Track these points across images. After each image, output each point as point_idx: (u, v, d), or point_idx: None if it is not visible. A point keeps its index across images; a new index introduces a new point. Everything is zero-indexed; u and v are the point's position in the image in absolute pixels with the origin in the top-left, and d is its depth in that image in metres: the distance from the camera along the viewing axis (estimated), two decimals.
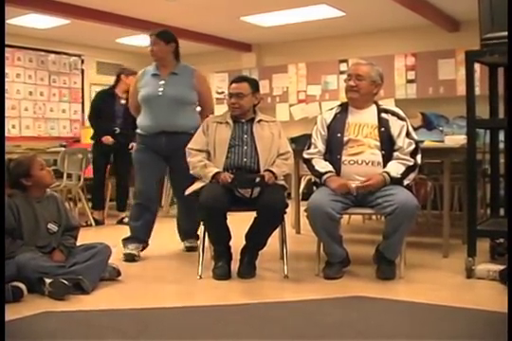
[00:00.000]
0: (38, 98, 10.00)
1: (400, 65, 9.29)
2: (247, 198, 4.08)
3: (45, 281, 3.45)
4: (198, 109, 5.09)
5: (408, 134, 4.08)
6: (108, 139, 6.61)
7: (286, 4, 7.95)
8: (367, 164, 4.02)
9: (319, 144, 4.19)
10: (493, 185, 4.57)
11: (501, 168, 4.64)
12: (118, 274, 3.95)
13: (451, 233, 4.82)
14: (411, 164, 4.02)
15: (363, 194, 3.96)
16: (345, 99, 4.31)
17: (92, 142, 6.88)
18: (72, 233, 3.98)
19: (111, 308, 3.33)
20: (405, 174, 3.98)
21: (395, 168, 3.98)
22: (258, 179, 4.02)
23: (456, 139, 4.76)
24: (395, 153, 4.05)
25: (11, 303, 3.23)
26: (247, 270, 4.06)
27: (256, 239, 4.08)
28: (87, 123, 10.49)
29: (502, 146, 4.60)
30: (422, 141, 4.55)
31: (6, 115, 8.76)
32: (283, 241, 4.19)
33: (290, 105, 10.34)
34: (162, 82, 4.79)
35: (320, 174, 4.07)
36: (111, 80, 10.80)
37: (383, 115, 4.15)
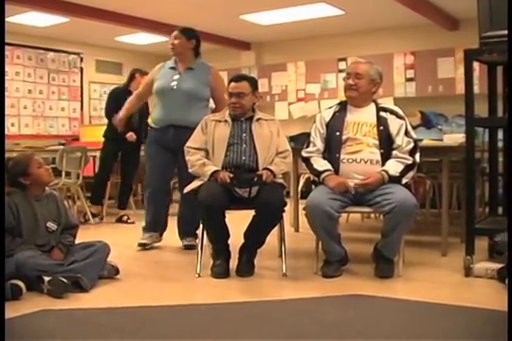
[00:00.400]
0: (37, 96, 10.00)
1: (399, 64, 9.30)
2: (246, 198, 4.08)
3: (44, 279, 3.46)
4: (211, 106, 5.18)
5: (406, 133, 4.09)
6: (132, 136, 6.57)
7: (286, 2, 7.96)
8: (366, 162, 4.02)
9: (317, 142, 4.19)
10: (491, 183, 4.58)
11: (499, 166, 4.65)
12: (117, 272, 3.96)
13: (450, 231, 4.82)
14: (410, 162, 4.02)
15: (362, 193, 3.96)
16: (344, 98, 4.31)
17: (103, 139, 6.84)
18: (71, 231, 3.99)
19: (109, 306, 3.34)
20: (403, 173, 3.99)
21: (394, 166, 3.99)
22: (256, 179, 4.03)
23: (455, 138, 4.76)
24: (394, 152, 4.06)
25: (10, 301, 3.23)
26: (246, 268, 4.07)
27: (255, 237, 4.08)
28: (86, 121, 10.63)
29: (500, 144, 4.61)
30: (421, 140, 4.55)
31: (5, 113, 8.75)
32: (281, 239, 4.20)
33: (289, 104, 10.36)
34: (177, 77, 4.93)
35: (318, 173, 4.07)
36: (110, 78, 10.92)
37: (382, 113, 4.15)
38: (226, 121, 4.31)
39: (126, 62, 10.78)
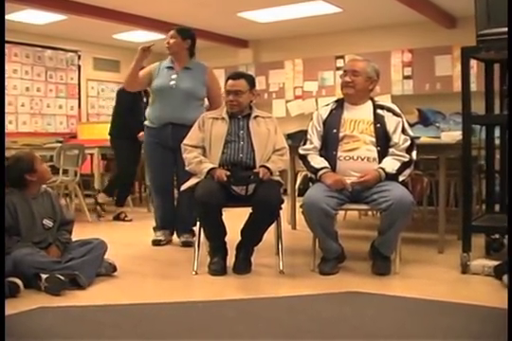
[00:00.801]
0: (35, 93, 10.01)
1: (397, 61, 9.31)
2: (243, 195, 4.09)
3: (42, 277, 3.46)
4: (206, 105, 5.22)
5: (403, 131, 4.09)
6: (143, 136, 6.54)
7: (283, 0, 7.95)
8: (362, 160, 4.02)
9: (314, 140, 4.20)
10: (488, 181, 4.58)
11: (496, 164, 4.65)
12: (114, 269, 3.96)
13: (447, 229, 4.84)
14: (407, 160, 4.02)
15: (358, 190, 3.97)
16: (341, 96, 4.32)
17: (109, 137, 6.80)
18: (67, 227, 3.99)
19: (107, 303, 3.34)
20: (400, 170, 3.99)
21: (391, 164, 3.99)
22: (252, 176, 4.03)
23: (452, 135, 4.75)
24: (391, 150, 4.06)
25: (8, 298, 3.22)
26: (243, 266, 4.07)
27: (252, 234, 4.08)
28: (84, 119, 10.63)
29: (497, 142, 4.61)
30: (418, 137, 4.55)
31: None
32: (278, 236, 4.19)
33: (287, 101, 10.38)
34: (174, 76, 4.99)
35: (315, 170, 4.07)
36: (108, 76, 10.92)
37: (379, 111, 4.15)
38: (223, 119, 4.31)
39: (124, 59, 10.76)
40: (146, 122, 5.16)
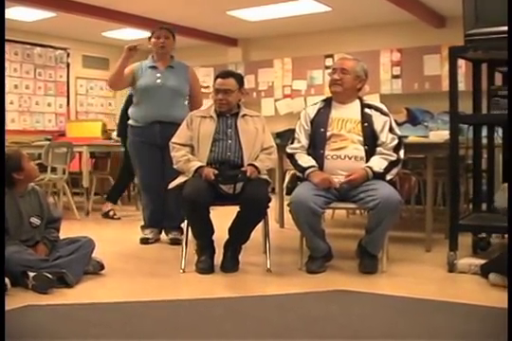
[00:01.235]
0: (23, 91, 9.98)
1: (386, 61, 9.33)
2: (231, 194, 4.09)
3: (29, 275, 3.45)
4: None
5: (391, 130, 4.10)
6: None
7: None
8: (350, 159, 4.04)
9: (302, 139, 4.21)
10: (476, 180, 4.60)
11: (483, 163, 4.68)
12: (102, 267, 3.95)
13: (434, 228, 4.86)
14: (394, 159, 4.04)
15: (346, 189, 3.97)
16: (330, 95, 4.33)
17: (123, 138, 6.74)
18: (54, 225, 3.97)
19: (95, 301, 3.33)
20: (388, 169, 4.00)
21: (378, 163, 4.00)
22: (240, 175, 4.03)
23: (440, 135, 4.77)
24: (378, 148, 4.07)
25: None
26: (231, 264, 4.07)
27: (239, 233, 4.09)
28: (73, 117, 10.60)
29: (484, 141, 4.64)
30: (406, 136, 4.56)
31: None
32: (266, 235, 4.20)
33: (276, 100, 10.38)
34: (159, 75, 5.02)
35: (302, 169, 4.08)
36: (97, 73, 10.88)
37: (366, 110, 4.17)
38: (211, 117, 4.31)
39: (113, 57, 10.69)
40: (130, 121, 5.17)
